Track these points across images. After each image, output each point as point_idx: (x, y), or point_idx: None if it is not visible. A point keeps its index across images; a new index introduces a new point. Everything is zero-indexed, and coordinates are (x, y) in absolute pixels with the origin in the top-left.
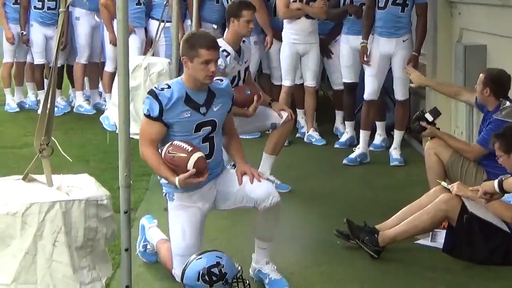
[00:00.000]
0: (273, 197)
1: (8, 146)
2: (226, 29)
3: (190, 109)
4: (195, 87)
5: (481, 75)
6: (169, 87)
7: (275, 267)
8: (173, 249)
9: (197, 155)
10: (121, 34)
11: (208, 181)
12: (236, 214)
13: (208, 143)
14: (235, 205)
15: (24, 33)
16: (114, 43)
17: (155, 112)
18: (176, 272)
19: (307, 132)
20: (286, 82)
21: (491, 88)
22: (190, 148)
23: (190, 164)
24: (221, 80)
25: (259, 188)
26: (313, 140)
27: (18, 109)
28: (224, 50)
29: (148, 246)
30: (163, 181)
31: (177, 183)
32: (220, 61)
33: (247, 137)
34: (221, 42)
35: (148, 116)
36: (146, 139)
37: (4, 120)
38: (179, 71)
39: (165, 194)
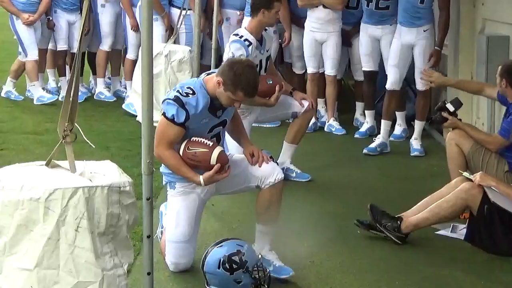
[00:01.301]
0: (278, 173)
1: (29, 132)
2: (250, 18)
3: (210, 115)
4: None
5: (499, 67)
6: (193, 92)
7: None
8: (167, 236)
9: (218, 149)
10: (145, 20)
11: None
12: None
13: (215, 139)
14: (238, 186)
15: (51, 18)
16: (135, 29)
17: (181, 119)
18: (167, 259)
19: (328, 122)
20: (310, 69)
21: (507, 79)
22: (210, 143)
23: (214, 158)
24: None
25: (263, 166)
26: (333, 129)
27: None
28: (246, 40)
29: (158, 231)
30: (164, 170)
31: (202, 182)
32: (242, 51)
33: (267, 125)
34: (243, 31)
35: (171, 120)
36: (164, 141)
37: (25, 106)
38: (201, 59)
39: (166, 183)
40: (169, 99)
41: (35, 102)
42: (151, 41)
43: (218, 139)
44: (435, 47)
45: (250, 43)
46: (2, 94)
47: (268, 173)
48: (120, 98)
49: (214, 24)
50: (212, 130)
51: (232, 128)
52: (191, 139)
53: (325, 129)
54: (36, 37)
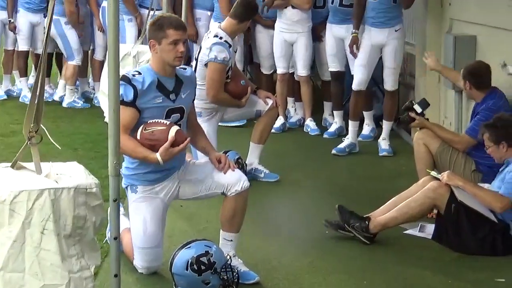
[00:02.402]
0: (244, 182)
1: None
2: (228, 19)
3: (161, 95)
4: (164, 73)
5: (461, 70)
6: (139, 73)
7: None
8: (133, 241)
9: (175, 127)
10: (111, 20)
11: (172, 173)
12: None
13: None
14: (202, 192)
15: (12, 20)
16: (101, 29)
17: (130, 97)
18: (137, 264)
19: (305, 121)
20: (279, 70)
21: (470, 81)
22: (167, 122)
23: (171, 134)
24: (185, 68)
25: (229, 173)
26: (309, 129)
27: (5, 97)
28: (226, 41)
29: None
30: (125, 172)
31: (159, 158)
32: (225, 54)
33: (232, 124)
34: (222, 33)
35: (121, 101)
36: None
37: None
38: None
39: (127, 187)
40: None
41: (65, 105)
42: (117, 41)
43: None
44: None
45: (230, 45)
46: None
47: (234, 181)
48: (88, 100)
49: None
50: (169, 115)
51: (195, 137)
52: (148, 122)
53: (304, 129)
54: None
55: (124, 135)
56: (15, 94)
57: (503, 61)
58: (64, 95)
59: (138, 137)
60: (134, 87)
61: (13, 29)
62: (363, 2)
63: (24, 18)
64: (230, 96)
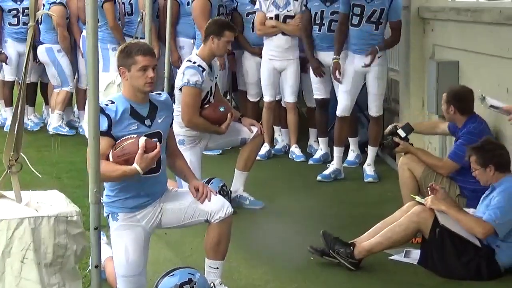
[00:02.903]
0: (228, 208)
1: None
2: (202, 45)
3: (136, 121)
4: (137, 100)
5: (444, 94)
6: (112, 102)
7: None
8: (116, 270)
9: (143, 137)
10: (90, 50)
11: (153, 200)
12: None
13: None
14: (186, 220)
15: (2, 51)
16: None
17: (104, 127)
18: None
19: (291, 148)
20: (266, 98)
21: (454, 105)
22: (134, 135)
23: (141, 142)
24: (160, 94)
25: (212, 200)
26: (294, 156)
27: None
28: (199, 66)
29: None
30: (106, 200)
31: (137, 167)
32: (197, 77)
33: (209, 153)
34: (196, 58)
35: None
36: None
37: None
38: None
39: (108, 215)
40: None
41: (51, 130)
42: (96, 70)
43: (159, 159)
44: (376, 46)
45: (204, 69)
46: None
47: (218, 207)
48: (74, 129)
49: (166, 52)
50: None
51: (174, 163)
52: (116, 143)
53: (289, 156)
54: None
55: (102, 161)
56: None
57: (481, 94)
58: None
59: (111, 158)
60: (108, 116)
61: (5, 59)
62: (345, 29)
63: (12, 48)
64: (208, 121)
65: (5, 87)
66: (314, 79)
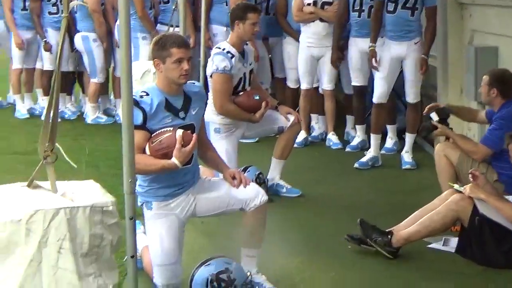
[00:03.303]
0: (262, 196)
1: (19, 152)
2: (230, 31)
3: (170, 115)
4: (171, 91)
5: (484, 77)
6: (147, 94)
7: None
8: (152, 259)
9: (180, 129)
10: (123, 38)
11: (185, 189)
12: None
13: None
14: (220, 209)
15: (47, 40)
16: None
17: (138, 120)
18: (157, 282)
19: (328, 135)
20: (304, 85)
21: (498, 88)
22: (170, 128)
23: (179, 134)
24: (194, 83)
25: (247, 188)
26: (331, 143)
27: (28, 116)
28: (228, 52)
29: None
30: (139, 190)
31: (175, 161)
32: (225, 62)
33: (245, 141)
34: (225, 44)
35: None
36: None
37: (15, 126)
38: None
39: (142, 204)
40: None
41: (90, 122)
42: (129, 59)
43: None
44: (422, 55)
45: (233, 55)
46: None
47: (252, 195)
48: (110, 116)
49: (202, 40)
50: None
51: (206, 154)
52: (151, 136)
53: (326, 143)
54: (22, 55)
55: (138, 154)
56: (37, 112)
57: None
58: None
59: (148, 152)
60: (142, 110)
61: (50, 49)
62: (380, 16)
63: (53, 38)
64: (240, 109)
65: (43, 76)
66: (352, 66)
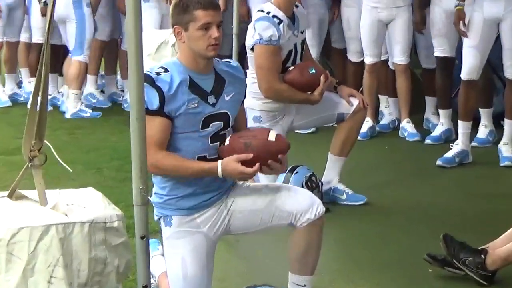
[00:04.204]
0: (318, 207)
1: None
2: None
3: (197, 97)
4: (198, 68)
5: None
6: (166, 70)
7: None
8: None
9: (274, 132)
10: (131, 2)
11: (216, 199)
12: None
13: (218, 144)
14: (263, 225)
15: (46, 1)
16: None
17: (155, 104)
18: None
19: (401, 123)
20: (368, 59)
21: None
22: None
23: (272, 135)
24: (229, 62)
25: (297, 197)
26: (406, 134)
27: (10, 104)
28: (274, 16)
29: (152, 281)
30: (156, 199)
31: (219, 168)
32: (271, 31)
33: (299, 132)
34: (270, 6)
35: (146, 110)
36: (152, 143)
37: None
38: None
39: (159, 218)
40: None
41: (69, 116)
42: (139, 27)
43: None
44: None
45: (281, 21)
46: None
47: (306, 206)
48: (116, 104)
49: (234, 3)
50: (207, 124)
51: None
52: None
53: (399, 133)
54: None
55: (161, 152)
56: (22, 99)
57: None
58: None
59: (236, 162)
60: (159, 90)
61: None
62: None
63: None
64: (294, 88)
65: (32, 51)
66: (435, 31)
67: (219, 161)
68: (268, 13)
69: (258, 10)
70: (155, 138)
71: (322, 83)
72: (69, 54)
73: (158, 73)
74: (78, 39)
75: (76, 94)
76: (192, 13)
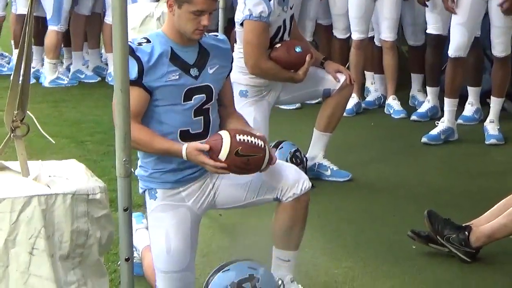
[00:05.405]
0: (304, 182)
1: None
2: None
3: (178, 69)
4: (181, 42)
5: None
6: (148, 41)
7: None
8: (155, 263)
9: (267, 151)
10: None
11: (201, 173)
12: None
13: (202, 118)
14: (248, 199)
15: None
16: None
17: (133, 74)
18: None
19: (387, 100)
20: (356, 35)
21: None
22: (260, 143)
23: (265, 162)
24: (216, 35)
25: (283, 172)
26: (391, 111)
27: None
28: None
29: (135, 254)
30: (141, 172)
31: (184, 151)
32: (262, 6)
33: (284, 107)
34: None
35: None
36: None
37: None
38: None
39: (144, 191)
40: None
41: (47, 84)
42: (123, 2)
43: (207, 121)
44: None
45: None
46: None
47: (291, 182)
48: (101, 78)
49: None
50: (189, 97)
51: (228, 124)
52: (238, 134)
53: (385, 110)
54: None
55: (134, 124)
56: (5, 70)
57: None
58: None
59: (225, 159)
60: (138, 59)
61: None
62: None
63: None
64: (279, 66)
65: (17, 23)
66: (429, 8)
67: (185, 145)
68: None
69: None
70: (133, 108)
71: (307, 62)
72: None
73: (139, 43)
74: (55, 9)
75: (54, 63)
76: None
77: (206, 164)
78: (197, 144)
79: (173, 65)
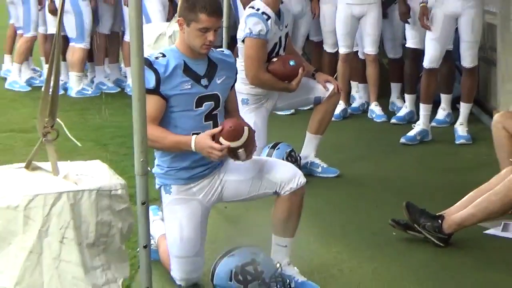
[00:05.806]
0: (300, 178)
1: (16, 129)
2: None
3: (190, 80)
4: (192, 55)
5: None
6: (163, 55)
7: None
8: (170, 250)
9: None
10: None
11: (210, 171)
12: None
13: (211, 122)
14: (251, 193)
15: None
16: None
17: (151, 83)
18: (175, 275)
19: (370, 106)
20: (342, 49)
21: None
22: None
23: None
24: (222, 50)
25: (281, 169)
26: (374, 115)
27: (29, 88)
28: (263, 13)
29: (152, 242)
30: (157, 171)
31: (192, 143)
32: (261, 26)
33: (281, 113)
34: (259, 4)
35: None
36: (148, 120)
37: (10, 99)
38: None
39: (160, 187)
40: None
41: (73, 95)
42: (139, 18)
43: (216, 125)
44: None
45: (269, 17)
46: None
47: (289, 177)
48: (121, 89)
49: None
50: (200, 104)
51: None
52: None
53: (368, 115)
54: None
55: (151, 126)
56: (37, 82)
57: None
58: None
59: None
60: (155, 71)
61: (54, 11)
62: None
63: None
64: (276, 77)
65: (47, 41)
66: (409, 25)
67: (194, 136)
68: (258, 10)
69: (249, 7)
70: (150, 113)
71: (300, 74)
72: (71, 43)
73: (156, 58)
74: (78, 29)
75: (80, 76)
76: (197, 14)
77: (213, 148)
78: (205, 132)
79: (186, 76)
